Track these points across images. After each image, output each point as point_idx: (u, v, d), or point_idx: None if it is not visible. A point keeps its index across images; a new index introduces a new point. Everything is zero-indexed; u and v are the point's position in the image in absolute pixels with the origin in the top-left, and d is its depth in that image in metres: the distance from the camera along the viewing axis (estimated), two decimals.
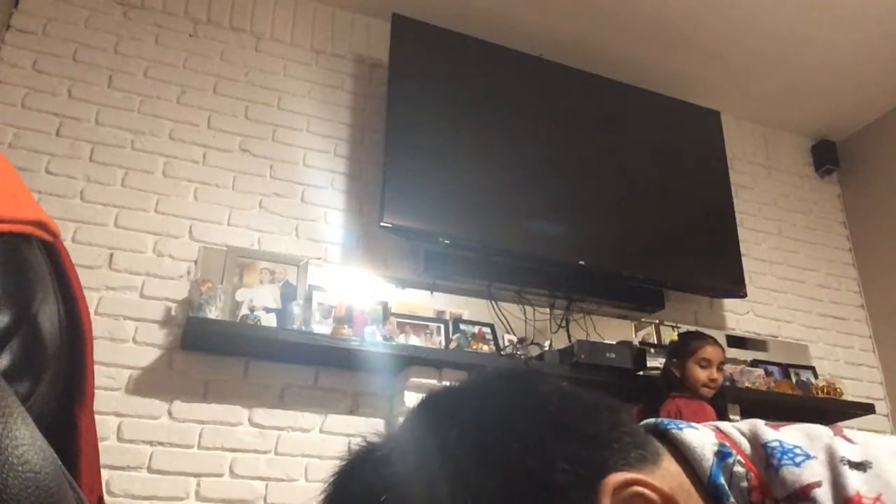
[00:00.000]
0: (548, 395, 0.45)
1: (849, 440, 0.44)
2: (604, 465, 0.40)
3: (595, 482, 0.39)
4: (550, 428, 0.42)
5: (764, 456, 0.42)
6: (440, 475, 0.40)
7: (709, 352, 2.28)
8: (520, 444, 0.40)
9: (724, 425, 0.46)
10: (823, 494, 0.39)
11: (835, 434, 0.44)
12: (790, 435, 0.44)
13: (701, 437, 0.44)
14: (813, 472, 0.40)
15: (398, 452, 0.42)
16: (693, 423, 0.46)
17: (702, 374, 2.25)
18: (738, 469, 0.42)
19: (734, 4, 2.86)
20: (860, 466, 0.40)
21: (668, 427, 0.46)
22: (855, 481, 0.39)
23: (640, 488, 0.40)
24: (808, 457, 0.42)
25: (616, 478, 0.39)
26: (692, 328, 2.91)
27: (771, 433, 0.44)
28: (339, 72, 2.82)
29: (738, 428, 0.46)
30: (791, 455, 0.42)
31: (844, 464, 0.40)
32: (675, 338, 2.49)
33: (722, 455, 0.43)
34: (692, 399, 2.22)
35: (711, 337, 2.37)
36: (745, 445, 0.44)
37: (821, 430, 0.45)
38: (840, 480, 0.40)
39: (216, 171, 2.47)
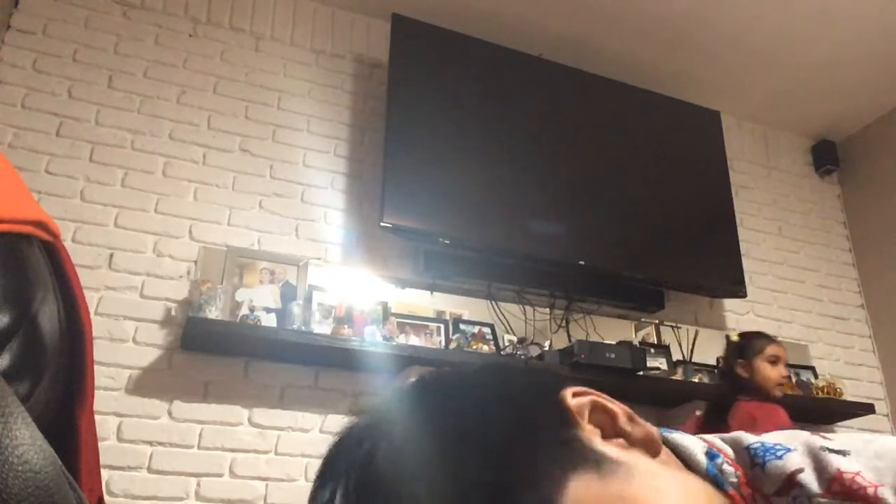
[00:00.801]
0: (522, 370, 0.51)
1: (825, 437, 0.46)
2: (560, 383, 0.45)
3: (555, 393, 0.43)
4: (520, 379, 0.47)
5: (748, 458, 0.45)
6: (432, 419, 0.43)
7: (777, 349, 2.24)
8: (495, 393, 0.45)
9: (706, 436, 0.48)
10: (807, 477, 0.41)
11: (812, 434, 0.47)
12: (770, 436, 0.46)
13: (690, 439, 0.47)
14: (794, 460, 0.43)
15: (385, 417, 0.45)
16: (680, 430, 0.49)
17: (773, 372, 2.20)
18: (727, 468, 0.44)
19: (734, 4, 2.86)
20: (839, 452, 0.42)
21: (660, 431, 0.49)
22: (835, 461, 0.41)
23: (596, 398, 0.43)
24: (788, 450, 0.44)
25: (572, 387, 0.44)
26: (693, 328, 2.91)
27: (752, 437, 0.46)
28: (339, 72, 2.82)
29: (720, 437, 0.48)
30: (773, 451, 0.44)
31: (824, 451, 0.43)
32: (735, 338, 2.39)
33: (710, 456, 0.45)
34: (763, 402, 2.16)
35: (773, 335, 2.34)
36: (729, 451, 0.46)
37: (799, 432, 0.47)
38: (821, 464, 0.42)
39: (216, 171, 2.47)
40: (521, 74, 2.89)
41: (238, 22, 2.72)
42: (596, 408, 0.43)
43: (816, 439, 0.45)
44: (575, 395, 0.43)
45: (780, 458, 0.43)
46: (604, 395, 0.44)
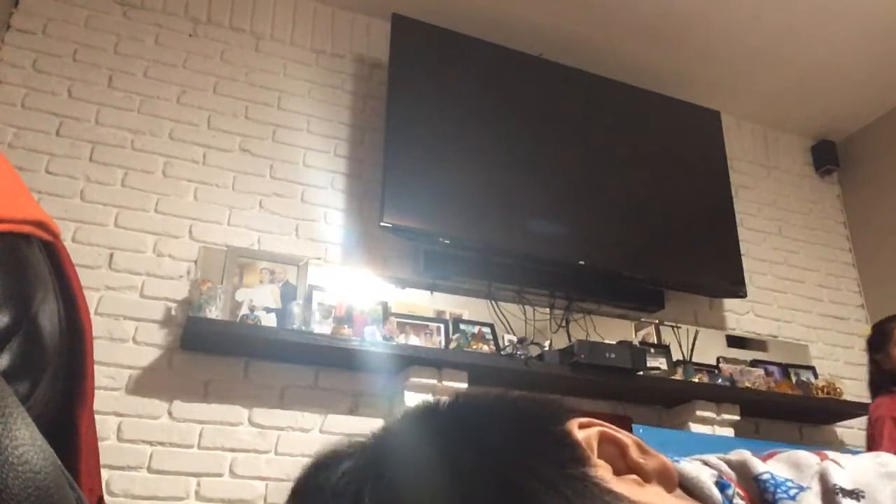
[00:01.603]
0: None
1: (837, 463, 0.43)
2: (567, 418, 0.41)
3: (560, 425, 0.40)
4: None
5: (758, 490, 0.42)
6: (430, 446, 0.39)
7: None
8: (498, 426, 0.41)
9: (710, 458, 0.46)
10: None
11: (822, 460, 0.44)
12: (779, 468, 0.44)
13: (696, 467, 0.44)
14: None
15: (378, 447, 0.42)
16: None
17: None
18: (738, 501, 0.41)
19: (734, 4, 2.86)
20: (853, 495, 0.40)
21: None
22: None
23: (604, 429, 0.40)
24: (801, 489, 0.41)
25: (577, 419, 0.40)
26: (693, 328, 2.91)
27: (760, 466, 0.43)
28: (339, 72, 2.82)
29: (725, 460, 0.45)
30: (784, 488, 0.41)
31: (837, 492, 0.40)
32: (866, 333, 2.25)
33: (721, 486, 0.42)
34: (890, 394, 2.04)
35: None
36: (734, 476, 0.43)
37: (809, 458, 0.44)
38: None
39: (216, 171, 2.47)
40: (521, 74, 2.89)
41: (238, 22, 2.72)
42: (604, 439, 0.40)
43: (829, 471, 0.41)
44: (581, 426, 0.40)
45: (792, 497, 0.40)
46: (611, 426, 0.41)
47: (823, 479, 0.41)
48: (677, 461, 0.44)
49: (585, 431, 0.40)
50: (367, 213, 2.59)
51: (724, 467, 0.44)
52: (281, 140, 2.61)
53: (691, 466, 0.44)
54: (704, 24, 2.96)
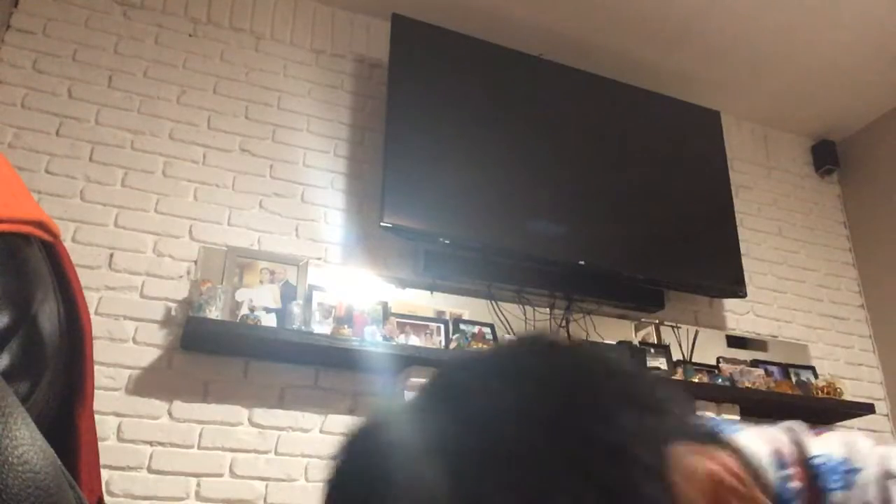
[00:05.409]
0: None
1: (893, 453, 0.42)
2: (667, 434, 0.34)
3: (660, 448, 0.32)
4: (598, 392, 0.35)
5: (812, 475, 0.41)
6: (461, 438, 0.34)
7: None
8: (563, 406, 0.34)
9: (770, 430, 0.43)
10: None
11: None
12: (834, 443, 0.42)
13: (757, 443, 0.42)
14: (864, 492, 0.39)
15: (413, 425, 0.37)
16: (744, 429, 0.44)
17: None
18: (794, 484, 0.40)
19: (734, 4, 2.86)
20: None
21: (723, 429, 0.42)
22: None
23: (729, 480, 0.34)
24: (856, 470, 0.40)
25: (682, 448, 0.33)
26: (693, 328, 2.91)
27: (815, 446, 0.42)
28: (339, 72, 2.82)
29: (781, 438, 0.43)
30: (840, 474, 0.40)
31: (892, 478, 0.39)
32: None
33: (777, 465, 0.41)
34: None
35: None
36: (792, 457, 0.42)
37: (865, 441, 0.43)
38: (891, 499, 0.38)
39: (216, 171, 2.47)
40: (521, 74, 2.89)
41: (238, 22, 2.72)
42: (720, 490, 0.32)
43: (891, 456, 0.40)
44: (695, 473, 0.32)
45: (848, 487, 0.39)
46: (738, 467, 0.34)
47: (882, 462, 0.40)
48: (736, 431, 0.42)
49: (703, 479, 0.32)
50: (367, 213, 2.59)
51: (783, 446, 0.42)
52: (281, 140, 2.61)
53: (750, 442, 0.41)
54: (704, 24, 2.96)
